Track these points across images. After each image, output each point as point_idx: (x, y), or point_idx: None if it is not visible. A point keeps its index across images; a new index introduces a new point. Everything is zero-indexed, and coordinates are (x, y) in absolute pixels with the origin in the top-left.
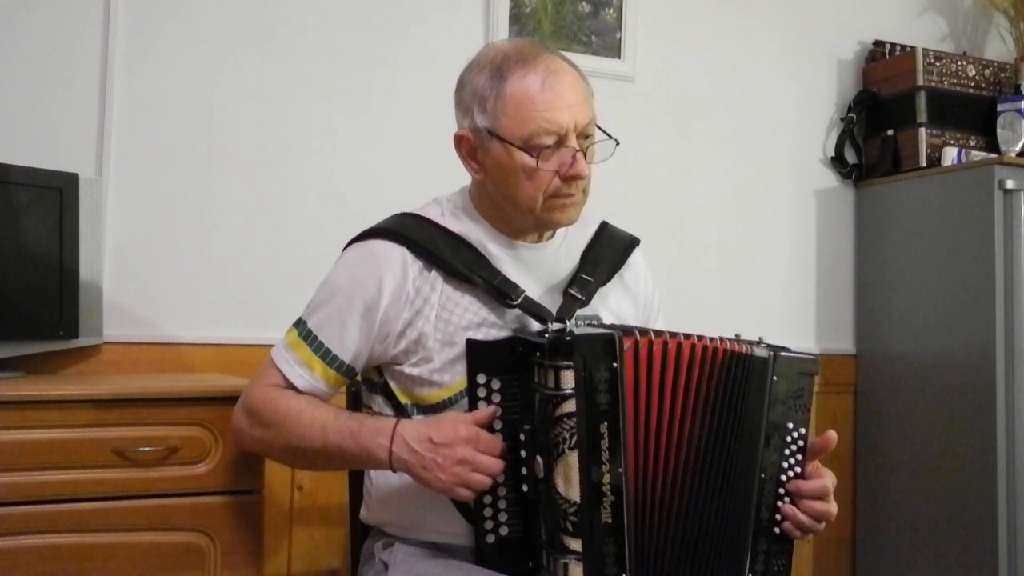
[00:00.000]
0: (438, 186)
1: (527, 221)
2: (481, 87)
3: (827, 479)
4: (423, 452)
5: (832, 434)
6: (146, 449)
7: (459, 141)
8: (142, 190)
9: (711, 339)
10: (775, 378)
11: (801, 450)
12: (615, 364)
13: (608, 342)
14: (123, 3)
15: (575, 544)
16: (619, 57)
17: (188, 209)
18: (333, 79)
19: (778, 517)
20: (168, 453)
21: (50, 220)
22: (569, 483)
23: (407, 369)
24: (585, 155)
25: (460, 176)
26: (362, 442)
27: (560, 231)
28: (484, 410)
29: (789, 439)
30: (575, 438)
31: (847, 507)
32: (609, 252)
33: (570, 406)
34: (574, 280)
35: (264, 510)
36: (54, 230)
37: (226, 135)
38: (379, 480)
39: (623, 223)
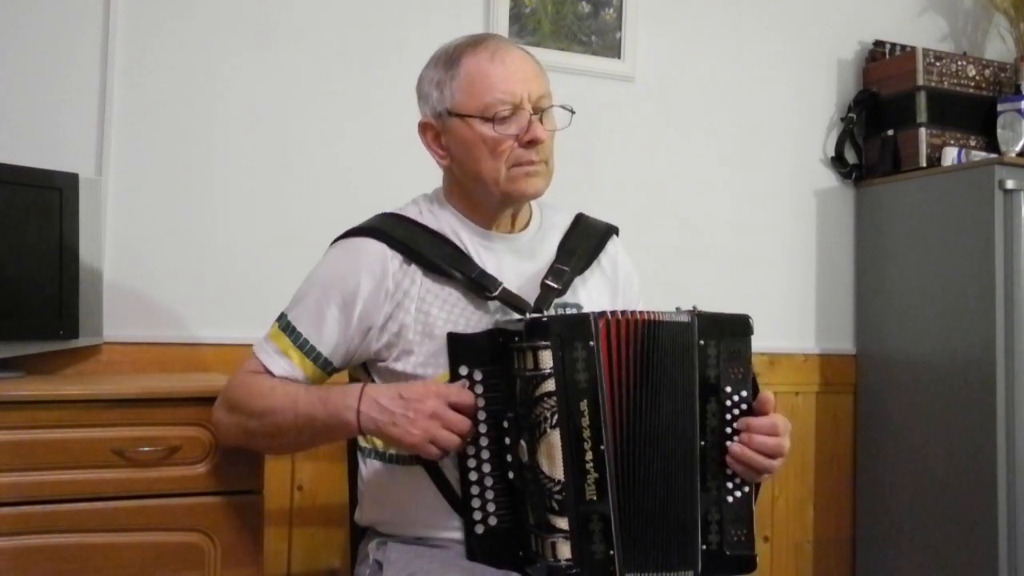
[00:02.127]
0: (438, 185)
1: (494, 199)
2: (437, 75)
3: (776, 416)
4: (393, 408)
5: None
6: (146, 449)
7: (423, 128)
8: (142, 190)
9: (650, 313)
10: (702, 342)
11: (745, 413)
12: (592, 343)
13: (583, 322)
14: (123, 3)
15: (561, 523)
16: (619, 57)
17: (188, 209)
18: (333, 80)
19: (730, 485)
20: (168, 453)
21: (50, 220)
22: (553, 462)
23: (391, 364)
24: (542, 121)
25: None
26: (330, 408)
27: (535, 220)
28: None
29: (729, 403)
30: (556, 417)
31: (847, 507)
32: (585, 241)
33: (550, 385)
34: (551, 270)
35: (264, 510)
36: (54, 230)
37: (226, 135)
38: (371, 479)
39: (622, 222)
